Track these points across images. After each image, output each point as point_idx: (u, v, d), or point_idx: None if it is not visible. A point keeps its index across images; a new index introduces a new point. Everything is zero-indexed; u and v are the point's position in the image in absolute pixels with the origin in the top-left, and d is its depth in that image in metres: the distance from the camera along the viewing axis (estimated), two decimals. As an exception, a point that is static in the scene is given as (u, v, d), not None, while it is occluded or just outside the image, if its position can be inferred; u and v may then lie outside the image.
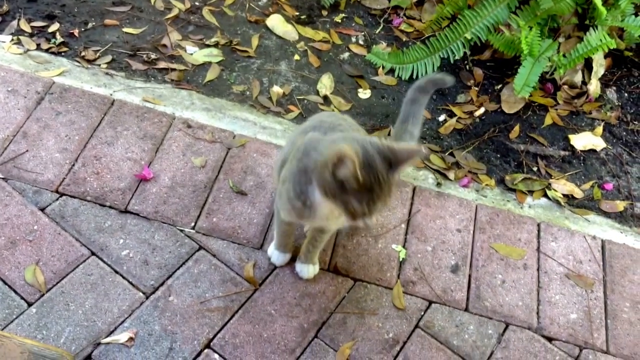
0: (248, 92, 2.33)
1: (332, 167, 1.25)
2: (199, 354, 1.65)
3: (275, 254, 1.83)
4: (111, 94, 2.18)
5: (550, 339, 1.81)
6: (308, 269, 1.82)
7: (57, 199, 1.88)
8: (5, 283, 1.70)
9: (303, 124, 1.71)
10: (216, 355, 1.65)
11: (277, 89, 2.35)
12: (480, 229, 2.03)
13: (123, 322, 1.68)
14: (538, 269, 1.96)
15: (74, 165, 1.96)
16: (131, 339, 1.65)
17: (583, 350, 1.80)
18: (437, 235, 1.99)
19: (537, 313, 1.86)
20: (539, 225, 2.07)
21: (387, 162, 1.27)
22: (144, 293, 1.74)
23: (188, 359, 1.64)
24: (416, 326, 1.78)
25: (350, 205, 1.30)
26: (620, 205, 2.20)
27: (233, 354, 1.66)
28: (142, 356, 1.62)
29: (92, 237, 1.82)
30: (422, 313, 1.81)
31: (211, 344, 1.67)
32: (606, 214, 2.18)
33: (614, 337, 1.84)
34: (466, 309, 1.84)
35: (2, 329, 1.62)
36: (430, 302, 1.84)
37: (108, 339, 1.64)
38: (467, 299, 1.86)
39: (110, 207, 1.89)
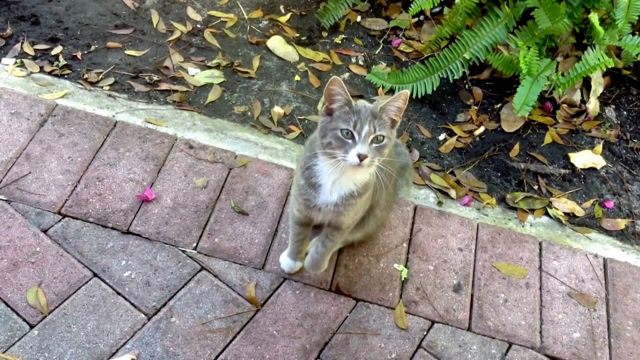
0: (249, 113, 2.35)
1: (325, 106, 1.45)
2: (201, 376, 1.64)
3: (285, 260, 1.86)
4: (113, 116, 2.19)
5: (553, 359, 1.80)
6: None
7: (60, 221, 1.88)
8: (8, 305, 1.70)
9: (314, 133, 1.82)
10: (218, 377, 1.65)
11: (278, 110, 2.37)
12: (482, 247, 2.03)
13: (125, 343, 1.68)
14: (540, 288, 1.95)
15: (76, 186, 1.97)
16: (133, 361, 1.64)
17: (587, 369, 1.79)
18: (438, 255, 1.99)
19: (540, 332, 1.85)
20: (540, 243, 2.07)
21: (378, 102, 1.45)
22: (145, 314, 1.74)
23: (190, 380, 1.63)
24: (419, 346, 1.78)
25: (338, 128, 1.43)
26: (622, 223, 2.20)
27: (235, 375, 1.65)
28: (144, 378, 1.62)
29: (94, 259, 1.82)
30: (425, 333, 1.81)
31: (213, 365, 1.67)
32: (608, 232, 2.18)
33: (617, 356, 1.83)
34: (469, 329, 1.83)
35: (4, 351, 1.61)
36: (433, 322, 1.83)
37: (110, 361, 1.64)
38: (470, 318, 1.86)
39: (112, 228, 1.90)
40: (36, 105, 2.16)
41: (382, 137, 1.44)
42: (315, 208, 1.59)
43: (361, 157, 1.41)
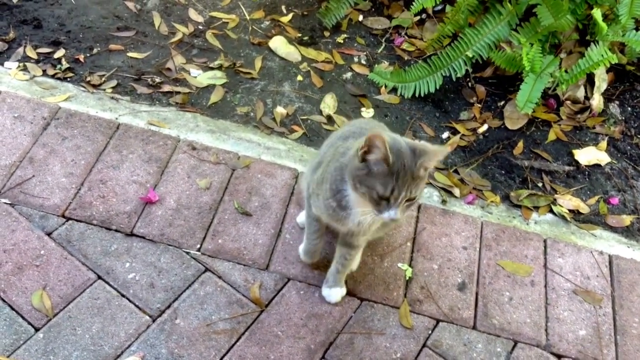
0: (252, 114, 2.35)
1: (362, 152, 1.36)
2: (206, 377, 1.64)
3: (305, 257, 1.88)
4: (116, 118, 2.20)
5: (559, 356, 1.79)
6: (336, 293, 1.81)
7: (64, 224, 1.89)
8: (13, 308, 1.70)
9: (342, 128, 1.82)
10: (223, 378, 1.65)
11: (280, 110, 2.37)
12: (487, 246, 2.03)
13: (130, 345, 1.68)
14: (545, 286, 1.94)
15: (80, 189, 1.98)
16: (138, 362, 1.64)
17: (593, 367, 1.78)
18: (443, 253, 1.99)
19: (546, 330, 1.84)
20: (545, 241, 2.06)
21: (414, 153, 1.36)
22: (150, 316, 1.74)
23: (195, 382, 1.63)
24: (424, 345, 1.77)
25: (375, 189, 1.36)
26: (627, 219, 2.19)
27: (240, 376, 1.65)
28: (149, 380, 1.62)
29: (98, 261, 1.82)
30: (430, 332, 1.80)
31: (218, 366, 1.67)
32: (613, 229, 2.17)
33: (624, 353, 1.82)
34: (474, 327, 1.83)
35: (10, 355, 1.62)
36: (438, 321, 1.83)
37: (115, 363, 1.64)
38: (475, 316, 1.85)
39: (116, 230, 1.90)
40: (39, 108, 2.17)
41: (416, 196, 1.40)
42: (341, 221, 1.57)
43: (393, 220, 1.41)
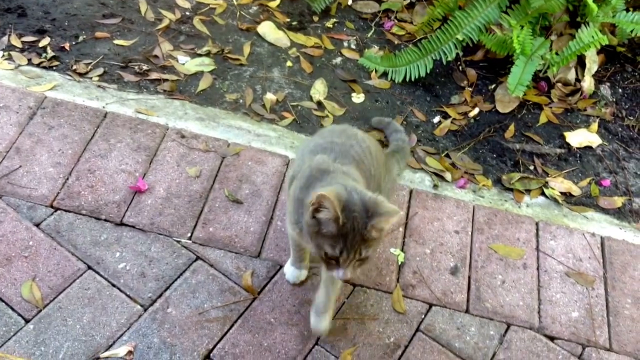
0: (241, 100, 2.33)
1: (312, 209, 1.30)
2: (199, 366, 1.64)
3: (290, 270, 1.80)
4: (104, 107, 2.17)
5: (552, 338, 1.80)
6: (324, 322, 1.67)
7: (52, 214, 1.87)
8: (2, 300, 1.68)
9: (313, 138, 1.70)
10: (216, 366, 1.64)
11: (270, 96, 2.34)
12: (479, 229, 2.02)
13: (122, 335, 1.67)
14: (538, 268, 1.95)
15: (67, 179, 1.95)
16: (130, 352, 1.63)
17: (586, 348, 1.78)
18: (435, 238, 1.98)
19: (539, 312, 1.85)
20: (537, 224, 2.06)
21: (367, 213, 1.29)
22: (142, 306, 1.73)
23: (188, 370, 1.62)
24: (417, 330, 1.77)
25: (323, 249, 1.33)
26: (619, 201, 2.19)
27: (233, 364, 1.65)
28: (142, 369, 1.61)
29: (88, 251, 1.80)
30: (423, 316, 1.80)
31: (211, 354, 1.66)
32: (605, 211, 2.17)
33: (616, 334, 1.82)
34: (467, 311, 1.83)
35: (0, 347, 1.60)
36: (431, 305, 1.83)
37: (107, 354, 1.63)
38: (468, 300, 1.85)
39: (105, 220, 1.88)
40: (25, 98, 2.13)
41: (367, 257, 1.35)
42: (306, 244, 1.54)
43: (342, 280, 1.39)
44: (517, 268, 1.94)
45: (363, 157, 1.56)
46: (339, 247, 1.31)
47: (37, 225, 1.84)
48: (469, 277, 1.90)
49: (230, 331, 1.71)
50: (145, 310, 1.72)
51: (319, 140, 1.62)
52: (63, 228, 1.84)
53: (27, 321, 1.66)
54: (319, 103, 2.37)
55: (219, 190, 2.00)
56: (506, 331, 1.80)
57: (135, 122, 2.13)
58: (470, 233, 2.01)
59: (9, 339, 1.62)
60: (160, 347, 1.65)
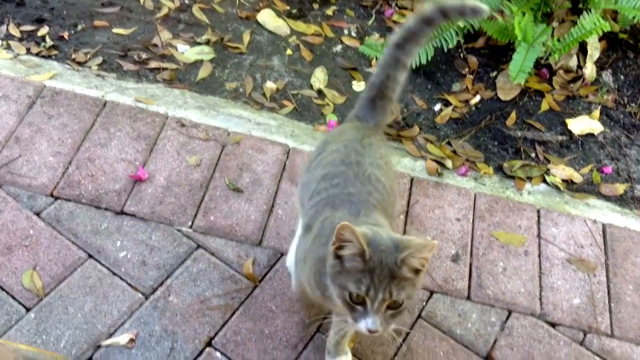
0: (241, 89, 2.32)
1: (334, 248, 1.16)
2: (200, 353, 1.64)
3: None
4: (103, 96, 2.16)
5: (554, 325, 1.80)
6: None
7: (52, 203, 1.86)
8: (3, 289, 1.68)
9: (325, 146, 1.55)
10: (218, 354, 1.64)
11: (270, 85, 2.33)
12: (480, 217, 2.02)
13: (123, 323, 1.67)
14: (539, 255, 1.94)
15: (67, 168, 1.95)
16: (132, 340, 1.63)
17: (587, 334, 1.78)
18: (436, 225, 1.98)
19: (540, 299, 1.84)
20: (538, 211, 2.05)
21: (397, 248, 1.13)
22: (143, 294, 1.73)
23: (190, 358, 1.62)
24: (418, 317, 1.77)
25: (347, 288, 1.15)
26: (620, 188, 2.19)
27: (235, 351, 1.65)
28: (144, 357, 1.61)
29: (88, 240, 1.80)
30: (424, 303, 1.80)
31: (213, 342, 1.66)
32: (606, 198, 2.16)
33: (618, 321, 1.82)
34: (468, 298, 1.82)
35: (1, 336, 1.60)
36: (432, 292, 1.83)
37: (108, 341, 1.63)
38: (469, 287, 1.85)
39: (106, 209, 1.88)
40: (24, 87, 2.12)
41: (400, 302, 1.16)
42: (329, 305, 1.38)
43: (371, 332, 1.16)
44: (519, 255, 1.93)
45: (383, 191, 1.43)
46: (366, 283, 1.13)
47: (38, 214, 1.84)
48: (470, 265, 1.90)
49: (232, 319, 1.71)
50: (147, 298, 1.72)
51: (331, 155, 1.48)
52: (63, 217, 1.84)
53: (28, 310, 1.66)
54: (320, 91, 2.36)
55: (219, 179, 2.00)
56: (507, 318, 1.80)
57: (134, 111, 2.12)
58: (471, 220, 2.01)
59: (11, 328, 1.62)
60: (162, 334, 1.65)
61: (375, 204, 1.39)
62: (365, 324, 1.15)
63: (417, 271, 1.16)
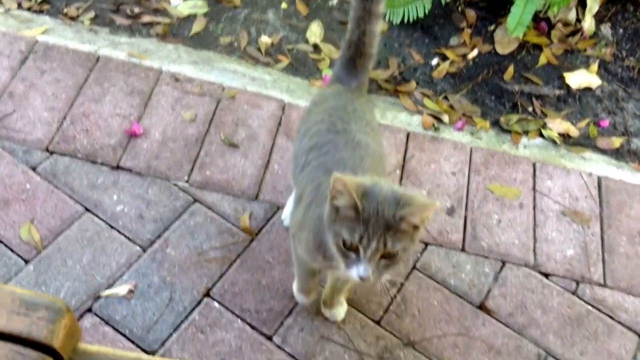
0: (236, 44, 2.29)
1: (330, 198, 1.13)
2: (198, 303, 1.66)
3: (300, 297, 1.65)
4: (96, 50, 2.14)
5: (547, 275, 1.82)
6: (338, 311, 1.65)
7: (48, 158, 1.86)
8: (1, 242, 1.70)
9: (309, 116, 1.54)
10: (216, 303, 1.66)
11: (265, 39, 2.31)
12: (476, 171, 2.02)
13: (122, 275, 1.69)
14: (534, 208, 1.95)
15: (62, 123, 1.94)
16: (131, 291, 1.66)
17: (580, 284, 1.81)
18: (432, 179, 1.98)
19: (534, 250, 1.86)
20: (534, 164, 2.06)
21: (397, 202, 1.10)
22: (141, 247, 1.74)
23: (188, 308, 1.65)
24: (413, 268, 1.79)
25: (340, 235, 1.13)
26: (617, 141, 2.18)
27: (233, 301, 1.67)
28: (143, 307, 1.64)
29: (85, 194, 1.81)
30: (419, 255, 1.82)
31: (210, 292, 1.68)
32: (602, 151, 2.17)
33: (611, 271, 1.85)
34: (463, 250, 1.84)
35: (1, 287, 1.62)
36: (427, 245, 1.84)
37: (107, 292, 1.65)
38: (464, 239, 1.86)
39: (101, 164, 1.88)
40: (16, 42, 2.10)
41: (395, 252, 1.13)
42: (329, 269, 1.39)
43: (362, 279, 1.14)
44: (514, 208, 1.95)
45: (373, 156, 1.41)
46: (359, 232, 1.10)
47: (34, 169, 1.84)
48: (465, 217, 1.91)
49: (229, 270, 1.73)
50: (145, 251, 1.74)
51: (315, 137, 1.45)
52: (59, 172, 1.84)
53: (27, 262, 1.68)
54: (315, 46, 2.33)
55: (214, 134, 1.99)
56: (501, 269, 1.82)
57: (128, 66, 2.10)
58: (467, 174, 2.01)
59: (10, 280, 1.64)
60: (161, 285, 1.68)
61: (368, 168, 1.36)
62: (356, 271, 1.14)
63: (415, 227, 1.13)
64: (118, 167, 1.88)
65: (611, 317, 1.76)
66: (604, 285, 1.81)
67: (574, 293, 1.79)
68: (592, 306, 1.77)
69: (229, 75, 2.17)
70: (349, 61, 1.57)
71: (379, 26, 1.52)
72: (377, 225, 1.09)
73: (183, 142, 1.96)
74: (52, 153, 1.88)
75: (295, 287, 1.64)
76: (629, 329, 1.74)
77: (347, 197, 1.10)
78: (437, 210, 1.13)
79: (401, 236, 1.11)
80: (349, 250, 1.14)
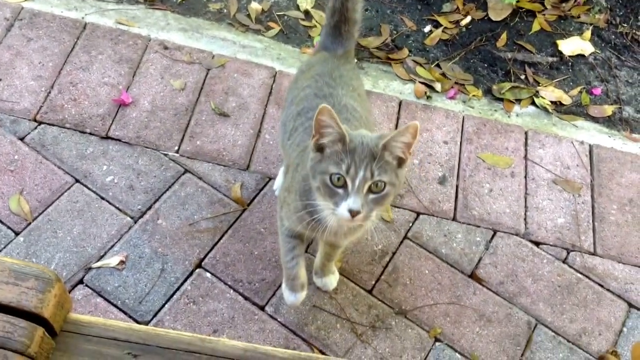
0: (225, 10, 2.25)
1: (314, 140, 1.17)
2: (191, 274, 1.66)
3: (290, 296, 1.51)
4: (83, 18, 2.09)
5: (537, 244, 1.83)
6: (330, 280, 1.64)
7: (36, 128, 1.84)
8: (-9, 214, 1.69)
9: (296, 83, 1.56)
10: (208, 274, 1.67)
11: (255, 6, 2.26)
12: (467, 139, 2.02)
13: (113, 246, 1.68)
14: (525, 177, 1.96)
15: (50, 92, 1.91)
16: (122, 262, 1.65)
17: (570, 252, 1.82)
18: (423, 148, 1.98)
19: (525, 219, 1.87)
20: (526, 133, 2.05)
21: (379, 137, 1.15)
22: (131, 217, 1.73)
23: (180, 278, 1.65)
24: (405, 237, 1.80)
25: (327, 172, 1.15)
26: (609, 109, 2.18)
27: (225, 272, 1.67)
28: (134, 278, 1.64)
29: (74, 165, 1.79)
30: (411, 224, 1.82)
31: (202, 263, 1.68)
32: (594, 119, 2.16)
33: (601, 239, 1.86)
34: (454, 219, 1.85)
35: (-8, 259, 1.62)
36: (419, 214, 1.85)
37: (99, 264, 1.65)
38: (455, 209, 1.87)
39: (90, 133, 1.85)
40: (1, 9, 2.05)
41: (382, 184, 1.15)
42: (316, 232, 1.33)
43: (353, 213, 1.14)
44: (505, 177, 1.95)
45: (360, 120, 1.42)
46: (346, 162, 1.13)
47: (22, 139, 1.81)
48: (457, 186, 1.91)
49: (221, 241, 1.73)
50: (136, 222, 1.73)
51: (302, 102, 1.46)
52: (48, 142, 1.82)
53: (17, 234, 1.67)
54: (307, 12, 2.29)
55: (204, 103, 1.97)
56: (492, 237, 1.83)
57: (116, 34, 2.06)
58: (459, 143, 2.01)
59: (0, 251, 1.63)
60: (152, 256, 1.67)
61: (355, 116, 1.39)
62: (346, 206, 1.14)
63: (400, 161, 1.17)
64: (107, 137, 1.86)
65: (601, 285, 1.77)
66: (594, 253, 1.83)
67: (564, 261, 1.81)
68: (582, 274, 1.79)
69: (219, 42, 2.13)
70: (334, 28, 1.56)
71: None
72: (363, 156, 1.13)
73: (173, 111, 1.93)
74: (40, 123, 1.85)
75: (284, 285, 1.52)
76: (619, 296, 1.76)
77: (334, 127, 1.13)
78: (417, 130, 1.12)
79: (387, 167, 1.15)
80: (337, 188, 1.15)
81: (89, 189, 1.76)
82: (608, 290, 1.77)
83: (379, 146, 1.14)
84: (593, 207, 1.92)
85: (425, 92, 2.12)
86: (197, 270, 1.67)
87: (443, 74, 2.20)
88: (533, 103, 2.16)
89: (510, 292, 1.74)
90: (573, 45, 2.31)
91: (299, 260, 1.45)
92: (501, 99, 2.16)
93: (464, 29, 2.34)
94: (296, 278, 1.46)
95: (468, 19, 2.36)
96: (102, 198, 1.75)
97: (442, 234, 1.81)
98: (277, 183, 1.81)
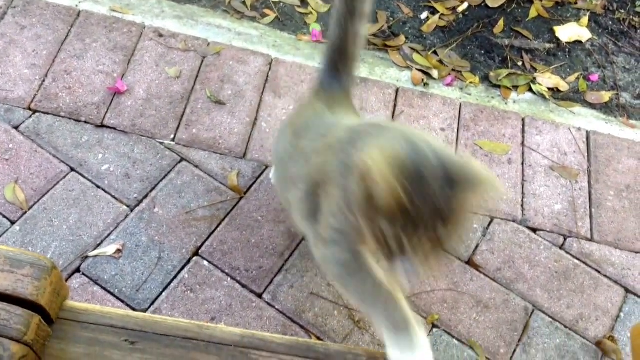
0: (221, -3, 2.23)
1: (363, 187, 0.85)
2: (188, 262, 1.66)
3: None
4: (77, 5, 2.07)
5: (534, 230, 1.83)
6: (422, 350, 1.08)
7: (31, 116, 1.82)
8: (-14, 203, 1.68)
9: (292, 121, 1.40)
10: (205, 262, 1.66)
11: (251, -7, 2.25)
12: (465, 126, 2.01)
13: (109, 235, 1.68)
14: (522, 163, 1.95)
15: (44, 81, 1.89)
16: (119, 250, 1.65)
17: (567, 239, 1.82)
18: (421, 135, 1.97)
19: (522, 206, 1.87)
20: (523, 120, 2.05)
21: (449, 180, 0.85)
22: (128, 206, 1.73)
23: (177, 267, 1.65)
24: (402, 224, 1.79)
25: (378, 228, 0.87)
26: (606, 96, 2.17)
27: (222, 260, 1.67)
28: (131, 266, 1.63)
29: (70, 153, 1.78)
30: (408, 211, 1.82)
31: (200, 251, 1.68)
32: (592, 106, 2.16)
33: (598, 225, 1.86)
34: (452, 206, 1.84)
35: (-12, 248, 1.61)
36: (416, 201, 1.84)
37: (95, 252, 1.64)
38: (453, 195, 1.86)
39: (85, 122, 1.84)
40: (-8, -3, 2.03)
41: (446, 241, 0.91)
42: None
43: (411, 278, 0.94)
44: (502, 163, 1.94)
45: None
46: (403, 223, 0.84)
47: (16, 127, 1.80)
48: (455, 173, 1.91)
49: (218, 229, 1.72)
50: (132, 210, 1.72)
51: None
52: (43, 130, 1.80)
53: (12, 223, 1.66)
54: (302, -1, 2.28)
55: (200, 91, 1.96)
56: (489, 224, 1.83)
57: (110, 21, 2.04)
58: (456, 130, 2.00)
59: (-4, 240, 1.63)
60: (149, 245, 1.67)
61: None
62: (402, 269, 0.94)
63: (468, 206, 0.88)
64: (102, 126, 1.84)
65: (598, 271, 1.78)
66: (591, 239, 1.83)
67: (561, 247, 1.81)
68: (579, 260, 1.79)
69: (214, 30, 2.12)
70: (332, 65, 1.39)
71: (365, 25, 1.34)
72: (425, 212, 0.84)
73: (168, 99, 1.92)
74: (34, 112, 1.83)
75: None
76: (616, 282, 1.77)
77: (381, 187, 0.82)
78: (500, 192, 0.89)
79: (452, 220, 0.87)
80: (388, 244, 0.89)
81: (84, 177, 1.75)
82: (605, 276, 1.77)
83: (448, 204, 0.86)
84: (590, 193, 1.92)
85: (422, 79, 2.12)
86: (194, 259, 1.67)
87: (440, 61, 2.19)
88: (530, 90, 2.16)
89: (507, 278, 1.74)
90: (570, 32, 2.31)
91: None
92: (498, 86, 2.16)
93: (461, 16, 2.33)
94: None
95: (465, 5, 2.34)
96: (98, 187, 1.74)
97: (439, 221, 1.81)
98: (273, 171, 1.80)
